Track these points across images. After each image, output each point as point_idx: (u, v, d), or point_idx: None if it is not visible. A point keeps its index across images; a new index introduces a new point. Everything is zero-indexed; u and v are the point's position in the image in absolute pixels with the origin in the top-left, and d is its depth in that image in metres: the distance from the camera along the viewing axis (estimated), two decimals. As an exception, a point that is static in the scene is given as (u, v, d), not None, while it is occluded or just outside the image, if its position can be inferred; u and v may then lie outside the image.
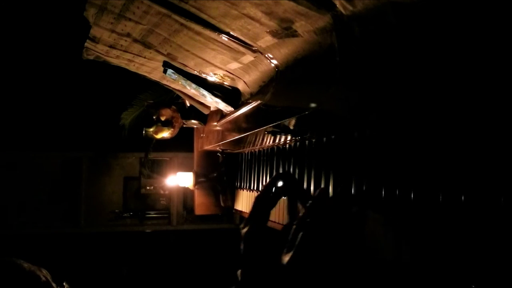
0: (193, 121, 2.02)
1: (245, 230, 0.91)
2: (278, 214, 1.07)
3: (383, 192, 0.73)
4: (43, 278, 0.59)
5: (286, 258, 0.74)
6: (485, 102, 0.53)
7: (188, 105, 1.98)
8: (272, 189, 0.97)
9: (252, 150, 1.52)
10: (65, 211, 4.17)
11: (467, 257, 0.55)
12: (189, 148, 2.30)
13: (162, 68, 1.31)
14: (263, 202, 0.96)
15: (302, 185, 1.01)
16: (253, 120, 1.19)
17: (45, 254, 3.76)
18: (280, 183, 1.00)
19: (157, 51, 1.24)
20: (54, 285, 0.59)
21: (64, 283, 0.60)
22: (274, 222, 1.07)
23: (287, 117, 0.92)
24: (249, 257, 0.87)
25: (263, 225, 0.95)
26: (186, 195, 4.34)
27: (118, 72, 1.54)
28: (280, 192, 0.99)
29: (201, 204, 2.05)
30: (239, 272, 0.87)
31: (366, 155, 0.79)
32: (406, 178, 0.68)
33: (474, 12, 0.49)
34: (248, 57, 1.07)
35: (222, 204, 1.87)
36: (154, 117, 2.08)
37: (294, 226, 0.78)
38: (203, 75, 1.33)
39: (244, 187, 1.61)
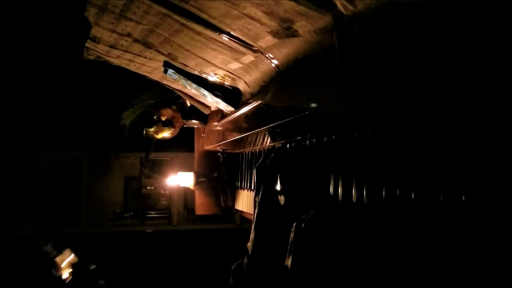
0: (193, 121, 2.02)
1: (258, 197, 0.95)
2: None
3: (383, 192, 0.73)
4: None
5: (288, 262, 0.76)
6: (486, 102, 0.53)
7: (189, 105, 1.98)
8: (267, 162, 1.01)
9: (253, 150, 1.52)
10: (66, 211, 4.18)
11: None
12: (189, 148, 2.30)
13: (162, 68, 1.32)
14: (265, 172, 0.99)
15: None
16: (253, 120, 1.19)
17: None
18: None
19: (158, 51, 1.24)
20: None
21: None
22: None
23: (287, 117, 0.92)
24: (264, 218, 0.91)
25: (273, 189, 0.98)
26: (186, 195, 4.34)
27: (119, 72, 1.54)
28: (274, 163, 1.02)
29: (202, 204, 2.05)
30: (249, 244, 0.89)
31: (368, 154, 0.79)
32: (407, 175, 0.68)
33: (475, 11, 0.49)
34: (249, 57, 1.07)
35: (222, 204, 1.87)
36: (154, 117, 2.08)
37: (292, 229, 0.80)
38: (204, 75, 1.33)
39: (245, 187, 1.61)
